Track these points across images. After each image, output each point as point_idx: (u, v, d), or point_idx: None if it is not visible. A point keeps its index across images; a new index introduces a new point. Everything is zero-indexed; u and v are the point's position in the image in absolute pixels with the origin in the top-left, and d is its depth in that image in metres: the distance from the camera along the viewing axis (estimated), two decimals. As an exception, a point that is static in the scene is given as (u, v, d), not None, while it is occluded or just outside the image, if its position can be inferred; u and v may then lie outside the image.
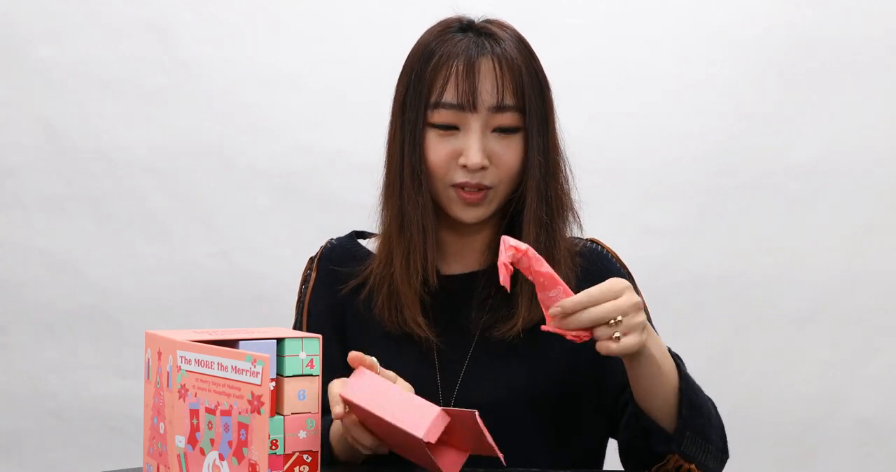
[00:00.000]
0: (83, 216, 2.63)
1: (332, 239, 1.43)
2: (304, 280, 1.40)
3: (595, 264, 1.34)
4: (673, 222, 2.58)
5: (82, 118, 2.62)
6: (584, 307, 1.05)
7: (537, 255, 1.06)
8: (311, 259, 1.41)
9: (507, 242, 1.06)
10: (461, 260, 1.35)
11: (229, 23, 2.63)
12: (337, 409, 1.01)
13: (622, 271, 1.35)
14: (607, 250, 1.37)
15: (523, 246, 1.05)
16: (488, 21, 1.31)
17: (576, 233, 1.35)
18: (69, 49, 2.62)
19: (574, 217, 1.34)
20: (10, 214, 2.63)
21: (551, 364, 1.26)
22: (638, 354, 1.12)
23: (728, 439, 1.30)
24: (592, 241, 1.38)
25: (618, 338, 1.06)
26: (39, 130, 2.63)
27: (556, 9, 2.59)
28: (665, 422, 1.19)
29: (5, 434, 2.62)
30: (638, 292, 1.35)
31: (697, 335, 2.57)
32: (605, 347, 1.06)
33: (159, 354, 1.00)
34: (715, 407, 1.27)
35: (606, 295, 1.06)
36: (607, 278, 1.32)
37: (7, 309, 2.63)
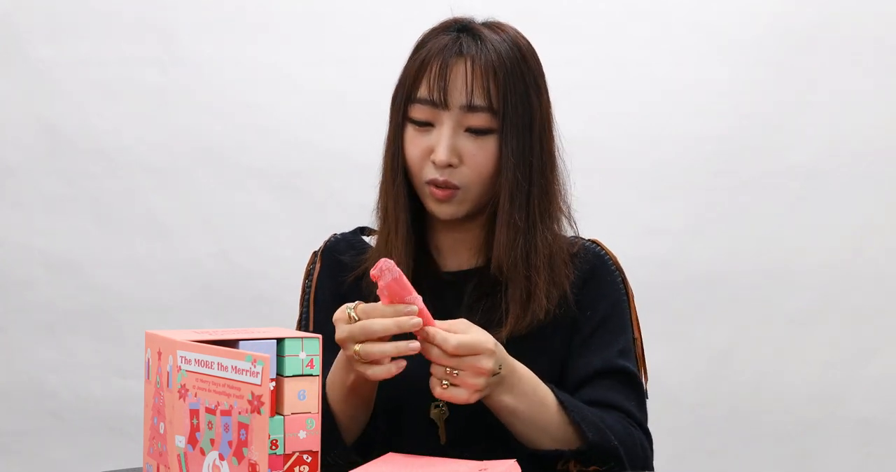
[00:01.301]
0: (83, 216, 2.63)
1: (335, 233, 1.44)
2: (308, 274, 1.41)
3: (591, 264, 1.34)
4: (673, 222, 2.58)
5: (82, 118, 2.63)
6: (443, 349, 1.09)
7: (398, 287, 1.08)
8: (315, 253, 1.43)
9: (378, 268, 1.08)
10: (456, 257, 1.35)
11: (229, 23, 2.63)
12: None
13: (616, 274, 1.35)
14: (605, 252, 1.37)
15: (382, 283, 1.07)
16: (485, 23, 1.32)
17: (570, 234, 1.35)
18: (69, 49, 2.62)
19: (571, 224, 1.34)
20: (10, 214, 2.63)
21: (540, 369, 1.26)
22: (487, 402, 1.16)
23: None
24: (593, 241, 1.38)
25: (446, 386, 1.11)
26: (39, 130, 2.63)
27: (556, 9, 2.59)
28: (557, 446, 1.20)
29: (5, 434, 2.62)
30: (628, 296, 1.35)
31: (697, 335, 2.57)
32: (432, 387, 1.11)
33: (159, 354, 1.00)
34: (629, 433, 1.25)
35: (464, 351, 1.09)
36: (600, 280, 1.32)
37: (7, 309, 2.63)
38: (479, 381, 1.10)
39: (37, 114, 2.63)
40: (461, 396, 1.11)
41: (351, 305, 1.10)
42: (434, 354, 1.10)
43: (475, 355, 1.09)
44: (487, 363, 1.10)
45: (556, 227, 1.31)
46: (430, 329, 1.09)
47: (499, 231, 1.27)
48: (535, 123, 1.28)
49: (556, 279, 1.28)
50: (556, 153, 1.32)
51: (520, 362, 1.18)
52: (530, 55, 1.30)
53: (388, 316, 1.07)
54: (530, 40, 1.32)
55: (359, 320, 1.08)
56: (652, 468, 1.28)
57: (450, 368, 1.10)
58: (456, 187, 1.26)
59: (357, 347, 1.08)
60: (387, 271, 1.07)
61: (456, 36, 1.27)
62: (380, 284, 1.07)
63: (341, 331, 1.09)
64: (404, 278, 1.08)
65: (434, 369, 1.11)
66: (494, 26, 1.31)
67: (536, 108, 1.28)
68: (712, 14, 2.60)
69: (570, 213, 1.34)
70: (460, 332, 1.11)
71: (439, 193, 1.26)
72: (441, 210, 1.28)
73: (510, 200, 1.26)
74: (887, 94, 2.58)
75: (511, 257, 1.26)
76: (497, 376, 1.13)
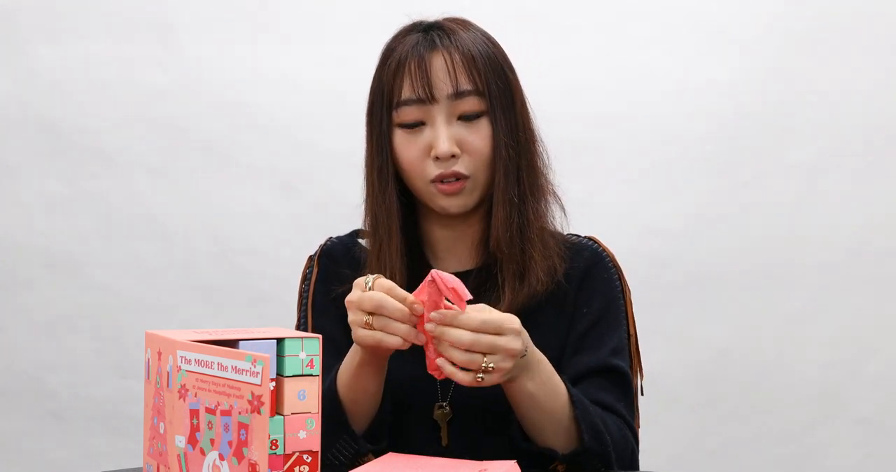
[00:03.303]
0: (83, 216, 2.62)
1: (331, 237, 1.44)
2: (305, 278, 1.41)
3: (589, 261, 1.35)
4: (673, 222, 2.58)
5: (82, 118, 2.62)
6: (467, 327, 1.06)
7: (445, 286, 1.06)
8: (311, 257, 1.42)
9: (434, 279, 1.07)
10: (455, 257, 1.36)
11: (229, 23, 2.63)
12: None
13: (613, 271, 1.36)
14: (603, 249, 1.37)
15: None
16: (444, 19, 1.34)
17: (558, 216, 1.36)
18: (69, 49, 2.62)
19: (555, 199, 1.34)
20: (10, 214, 2.63)
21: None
22: (509, 387, 1.15)
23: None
24: (590, 239, 1.39)
25: (481, 379, 1.07)
26: (39, 130, 2.63)
27: (557, 9, 2.59)
28: (558, 445, 1.20)
29: (5, 434, 2.62)
30: (624, 292, 1.36)
31: (698, 334, 2.57)
32: (464, 377, 1.07)
33: (159, 354, 1.00)
34: (624, 436, 1.26)
35: (490, 328, 1.06)
36: (596, 277, 1.33)
37: (7, 309, 2.63)
38: (508, 364, 1.08)
39: (37, 114, 2.63)
40: (493, 381, 1.09)
41: (372, 277, 1.10)
42: (463, 337, 1.05)
43: (501, 335, 1.07)
44: (516, 344, 1.07)
45: (543, 203, 1.33)
46: (449, 312, 1.06)
47: (496, 209, 1.28)
48: (515, 100, 1.30)
49: (548, 254, 1.29)
50: (534, 128, 1.34)
51: None
52: (495, 40, 1.33)
53: (399, 299, 1.08)
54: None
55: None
56: (637, 468, 1.28)
57: (480, 353, 1.06)
58: (465, 177, 1.26)
59: (368, 317, 1.08)
60: (434, 281, 1.07)
61: (424, 33, 1.29)
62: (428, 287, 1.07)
63: (354, 294, 1.10)
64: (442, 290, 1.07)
65: (453, 354, 1.07)
66: (454, 20, 1.33)
67: (514, 85, 1.31)
68: (712, 14, 2.60)
69: (554, 191, 1.35)
70: (484, 311, 1.09)
71: (448, 187, 1.26)
72: (451, 204, 1.28)
73: (505, 177, 1.28)
74: (888, 94, 2.58)
75: (508, 233, 1.27)
76: (523, 360, 1.11)
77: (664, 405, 2.50)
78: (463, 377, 1.07)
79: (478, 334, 1.06)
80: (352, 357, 1.19)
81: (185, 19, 2.63)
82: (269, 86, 2.62)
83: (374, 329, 1.08)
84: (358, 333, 1.10)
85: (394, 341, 1.08)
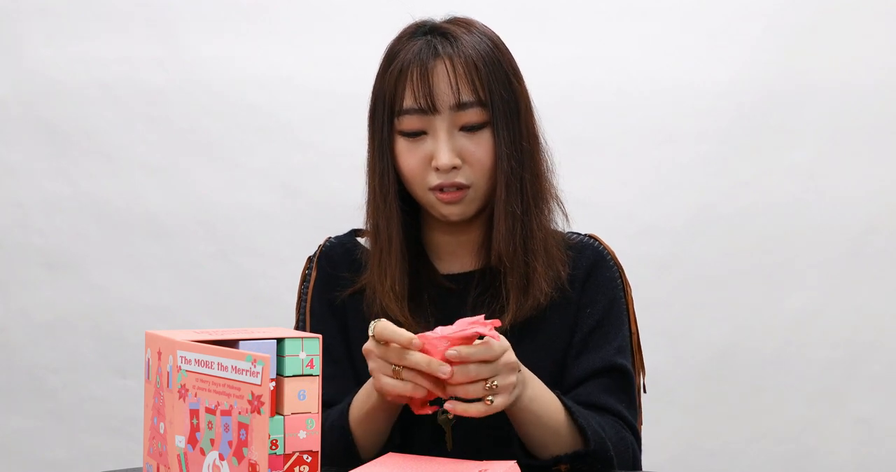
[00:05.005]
0: (83, 216, 2.63)
1: (330, 237, 1.43)
2: (304, 279, 1.41)
3: (591, 260, 1.35)
4: (673, 222, 2.58)
5: (82, 118, 2.62)
6: (468, 361, 1.06)
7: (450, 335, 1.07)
8: (310, 259, 1.42)
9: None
10: (458, 259, 1.35)
11: (229, 23, 2.63)
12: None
13: (615, 270, 1.36)
14: (604, 247, 1.37)
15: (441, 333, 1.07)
16: (449, 20, 1.32)
17: (561, 223, 1.35)
18: (69, 49, 2.62)
19: (558, 206, 1.34)
20: (10, 214, 2.63)
21: (541, 364, 1.26)
22: (512, 407, 1.14)
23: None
24: (591, 236, 1.39)
25: (490, 401, 1.08)
26: (39, 130, 2.63)
27: (557, 9, 2.59)
28: (560, 452, 1.21)
29: (5, 434, 2.62)
30: (625, 291, 1.36)
31: (697, 335, 2.57)
32: (475, 408, 1.08)
33: (159, 354, 1.00)
34: (622, 438, 1.26)
35: (485, 355, 1.07)
36: (599, 277, 1.33)
37: (7, 309, 2.63)
38: (512, 379, 1.09)
39: (37, 114, 2.63)
40: (502, 402, 1.09)
41: (371, 324, 1.09)
42: (469, 372, 1.07)
43: (500, 355, 1.08)
44: (512, 357, 1.09)
45: (546, 210, 1.32)
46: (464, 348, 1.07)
47: (498, 222, 1.27)
48: (520, 108, 1.28)
49: (552, 263, 1.29)
50: (539, 132, 1.33)
51: (524, 349, 1.19)
52: (501, 42, 1.31)
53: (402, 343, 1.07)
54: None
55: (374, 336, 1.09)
56: (640, 468, 1.28)
57: (488, 383, 1.07)
58: (466, 187, 1.26)
59: (396, 366, 1.08)
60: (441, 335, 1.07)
61: (426, 39, 1.27)
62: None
63: (372, 343, 1.09)
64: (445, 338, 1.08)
65: (472, 391, 1.08)
66: (459, 22, 1.31)
67: (519, 92, 1.29)
68: (712, 13, 2.60)
69: (557, 195, 1.34)
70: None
71: (448, 196, 1.25)
72: (451, 211, 1.27)
73: (506, 189, 1.26)
74: (888, 93, 2.58)
75: (510, 245, 1.26)
76: (521, 374, 1.12)
77: (665, 405, 2.50)
78: (477, 407, 1.08)
79: (473, 368, 1.07)
80: (365, 400, 1.19)
81: (186, 19, 2.63)
82: (269, 86, 2.62)
83: (404, 379, 1.08)
84: (386, 382, 1.09)
85: (422, 394, 1.09)
